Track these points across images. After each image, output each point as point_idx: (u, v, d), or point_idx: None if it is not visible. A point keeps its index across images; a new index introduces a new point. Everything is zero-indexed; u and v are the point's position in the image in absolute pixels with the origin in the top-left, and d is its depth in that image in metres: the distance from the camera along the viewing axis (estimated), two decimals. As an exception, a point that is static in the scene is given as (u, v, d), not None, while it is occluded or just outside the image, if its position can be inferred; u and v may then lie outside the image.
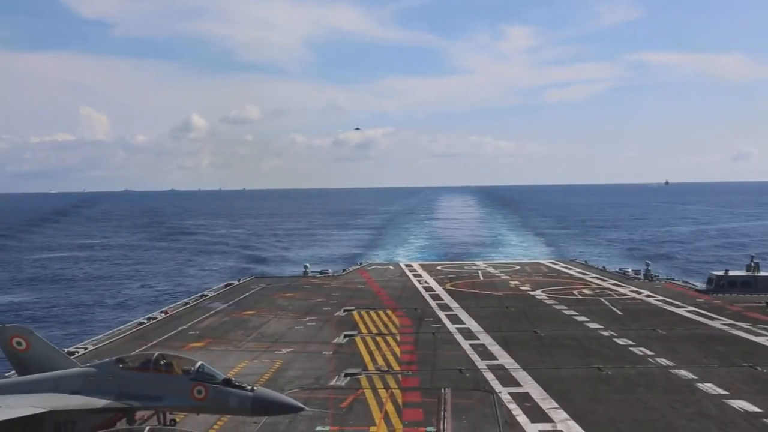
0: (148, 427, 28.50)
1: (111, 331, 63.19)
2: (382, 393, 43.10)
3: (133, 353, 42.50)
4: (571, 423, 37.39)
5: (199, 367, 32.21)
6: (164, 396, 32.80)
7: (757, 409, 39.45)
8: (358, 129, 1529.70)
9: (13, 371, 38.29)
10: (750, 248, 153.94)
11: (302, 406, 32.45)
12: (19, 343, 34.58)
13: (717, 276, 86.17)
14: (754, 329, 61.00)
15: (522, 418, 38.30)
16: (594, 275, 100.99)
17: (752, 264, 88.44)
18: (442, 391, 43.14)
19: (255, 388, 31.90)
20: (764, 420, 37.95)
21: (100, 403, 34.62)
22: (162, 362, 36.88)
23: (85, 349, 53.66)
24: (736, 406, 40.17)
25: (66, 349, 47.23)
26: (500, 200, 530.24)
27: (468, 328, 62.51)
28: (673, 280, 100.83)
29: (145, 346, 52.94)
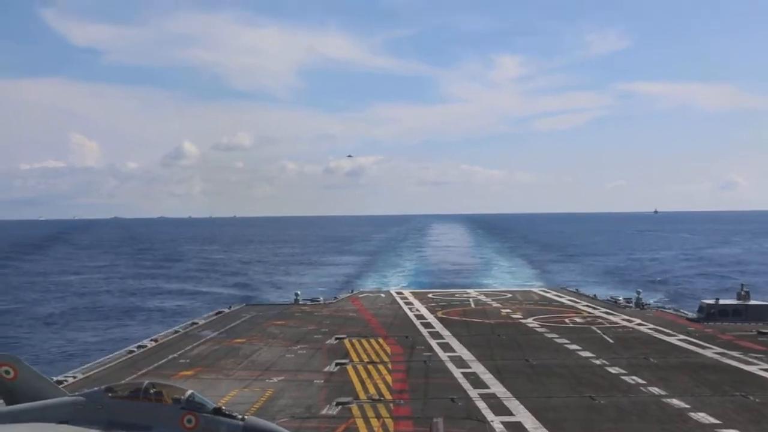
0: None
1: (100, 360, 62.87)
2: (374, 422, 43.09)
3: (123, 382, 42.13)
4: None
5: (190, 396, 31.84)
6: (154, 425, 32.41)
7: (748, 438, 39.73)
8: (350, 156, 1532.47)
9: (1, 400, 38.30)
10: (741, 275, 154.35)
11: None
12: (6, 372, 33.74)
13: (708, 304, 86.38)
14: (745, 358, 61.11)
15: (514, 447, 38.47)
16: (585, 303, 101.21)
17: (743, 292, 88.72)
18: (434, 420, 43.11)
19: (246, 417, 31.66)
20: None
21: None
22: (152, 391, 36.77)
23: (74, 377, 53.23)
24: (728, 436, 40.45)
25: (54, 378, 46.43)
26: (490, 228, 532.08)
27: (460, 357, 62.48)
28: (664, 308, 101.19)
29: (134, 375, 52.78)
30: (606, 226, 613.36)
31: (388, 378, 54.80)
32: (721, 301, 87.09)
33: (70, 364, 65.59)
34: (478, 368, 57.98)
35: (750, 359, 60.56)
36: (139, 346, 68.94)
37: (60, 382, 45.81)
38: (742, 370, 57.28)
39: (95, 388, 34.45)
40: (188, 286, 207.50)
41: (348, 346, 68.09)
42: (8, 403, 33.97)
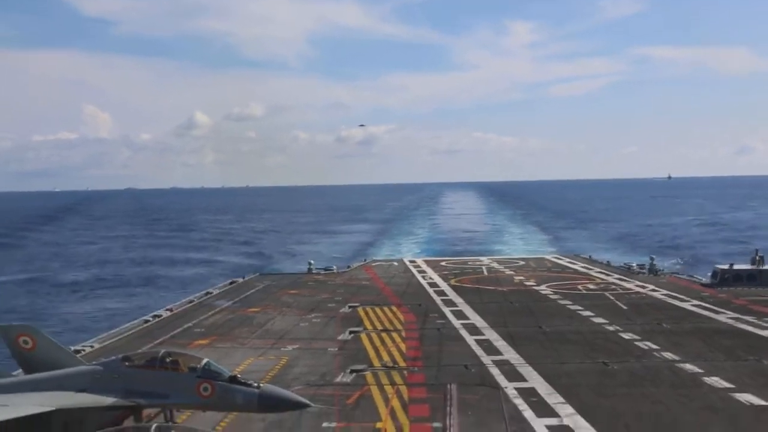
0: (155, 425, 27.49)
1: (117, 329, 63.26)
2: (388, 389, 43.27)
3: (139, 351, 41.96)
4: (578, 418, 37.53)
5: (205, 364, 31.69)
6: (171, 393, 32.16)
7: (763, 403, 39.60)
8: (362, 125, 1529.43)
9: (20, 370, 38.50)
10: (756, 241, 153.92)
11: (309, 402, 32.02)
12: (25, 342, 34.33)
13: (722, 270, 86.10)
14: (759, 323, 61.12)
15: (528, 413, 38.45)
16: (598, 270, 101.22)
17: (757, 257, 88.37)
18: (448, 386, 43.33)
19: (261, 384, 31.43)
20: (769, 411, 38.28)
21: (107, 401, 34.60)
22: (168, 360, 36.76)
23: (91, 347, 53.62)
24: (742, 400, 40.36)
25: (72, 348, 46.55)
26: (501, 195, 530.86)
27: (473, 324, 62.64)
28: (678, 274, 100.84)
29: (150, 344, 52.97)
30: (619, 192, 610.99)
31: (402, 345, 55.04)
32: (735, 267, 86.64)
33: (87, 334, 65.98)
34: (491, 335, 58.16)
35: (764, 324, 60.52)
36: (155, 316, 69.52)
37: (78, 352, 46.67)
38: (756, 334, 57.36)
39: (112, 358, 34.82)
40: (202, 255, 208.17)
41: (362, 314, 68.25)
42: (27, 372, 34.24)
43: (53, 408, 33.69)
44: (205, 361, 32.15)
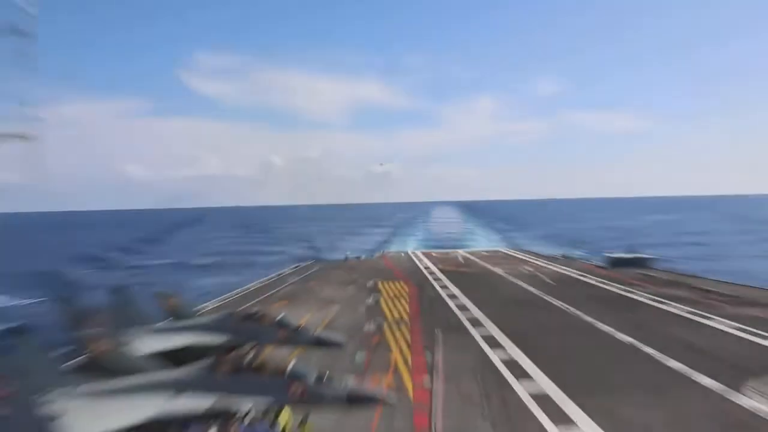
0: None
1: (227, 294, 64.24)
2: (398, 334, 43.93)
3: (240, 309, 41.62)
4: (519, 352, 38.26)
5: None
6: (260, 337, 30.33)
7: (633, 340, 40.58)
8: (381, 164, 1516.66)
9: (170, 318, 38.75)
10: (633, 239, 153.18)
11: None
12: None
13: (611, 257, 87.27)
14: (633, 291, 61.69)
15: (487, 349, 39.21)
16: (533, 258, 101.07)
17: (633, 248, 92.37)
18: (435, 330, 44.12)
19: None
20: (636, 345, 38.84)
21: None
22: (257, 313, 36.86)
23: (210, 307, 54.06)
24: (620, 338, 41.16)
25: (198, 307, 46.69)
26: (472, 209, 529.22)
27: (452, 293, 62.89)
28: (584, 260, 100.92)
29: (248, 304, 53.87)
30: (547, 207, 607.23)
31: (406, 306, 55.47)
32: (619, 255, 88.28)
33: (210, 296, 66.55)
34: (464, 300, 58.49)
35: (635, 291, 61.32)
36: (248, 287, 70.26)
37: (201, 309, 46.24)
38: (630, 298, 57.91)
39: (223, 312, 30.84)
40: (278, 248, 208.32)
41: (380, 286, 68.52)
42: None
43: (186, 344, 33.96)
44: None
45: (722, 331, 42.90)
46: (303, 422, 22.72)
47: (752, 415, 26.63)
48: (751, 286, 66.17)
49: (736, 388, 30.10)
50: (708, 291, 60.25)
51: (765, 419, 26.12)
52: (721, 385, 30.70)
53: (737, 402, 28.30)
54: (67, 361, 27.60)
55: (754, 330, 42.50)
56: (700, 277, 73.76)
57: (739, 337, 40.95)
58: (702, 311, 49.81)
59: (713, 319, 46.77)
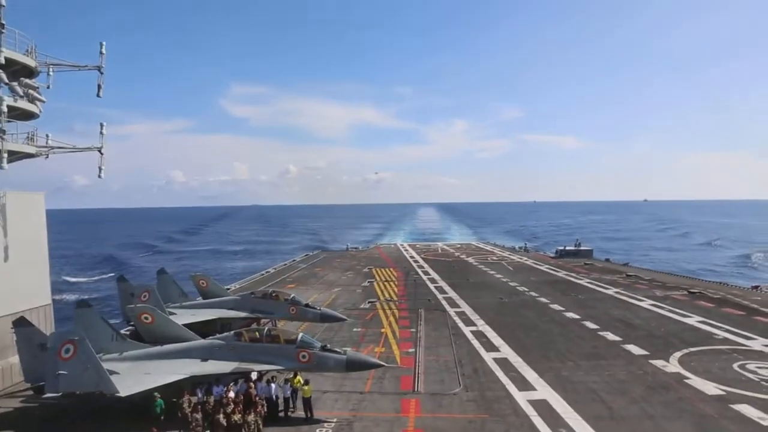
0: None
1: (247, 278, 63.77)
2: (388, 312, 43.65)
3: (260, 289, 40.67)
4: (487, 327, 37.98)
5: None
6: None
7: (578, 317, 40.28)
8: (377, 173, 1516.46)
9: (199, 297, 38.47)
10: (577, 233, 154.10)
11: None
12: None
13: (560, 249, 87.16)
14: (577, 277, 61.47)
15: (461, 324, 38.88)
16: (498, 249, 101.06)
17: (578, 242, 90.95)
18: (419, 310, 43.71)
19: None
20: (582, 322, 38.59)
21: (242, 314, 34.59)
22: (272, 293, 36.60)
23: (234, 287, 53.33)
24: (568, 316, 40.83)
25: (226, 287, 46.42)
26: (450, 210, 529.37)
27: (433, 278, 62.71)
28: (538, 251, 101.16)
29: (266, 285, 53.35)
30: (510, 209, 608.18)
31: (395, 289, 55.27)
32: (567, 247, 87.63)
33: (235, 278, 66.25)
34: (442, 283, 58.37)
35: (580, 277, 60.96)
36: (266, 271, 69.85)
37: (228, 289, 45.75)
38: (575, 282, 57.68)
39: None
40: (290, 239, 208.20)
41: (374, 272, 68.13)
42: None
43: (215, 317, 33.70)
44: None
45: (649, 309, 42.77)
46: (306, 383, 22.42)
47: (672, 378, 26.42)
48: (672, 274, 66.38)
49: (661, 357, 29.90)
50: (638, 277, 60.20)
51: (681, 382, 25.90)
52: (648, 353, 30.52)
53: (661, 368, 28.07)
54: (119, 329, 27.50)
55: (675, 309, 42.41)
56: (631, 266, 73.94)
57: (663, 315, 40.82)
58: (633, 294, 49.70)
59: (642, 300, 46.63)
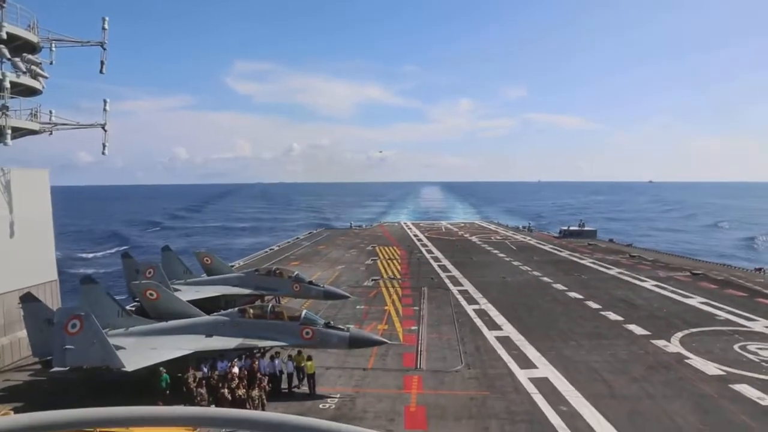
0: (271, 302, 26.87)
1: (252, 255, 63.96)
2: (391, 289, 43.84)
3: (263, 266, 41.79)
4: (489, 305, 38.11)
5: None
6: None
7: (580, 297, 40.33)
8: (380, 151, 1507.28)
9: (204, 274, 38.75)
10: (581, 213, 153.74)
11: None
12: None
13: (564, 229, 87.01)
14: (581, 257, 61.40)
15: (463, 302, 39.05)
16: (502, 228, 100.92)
17: (581, 222, 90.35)
18: (422, 288, 43.88)
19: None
20: (585, 302, 38.70)
21: (246, 291, 34.87)
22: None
23: (238, 264, 53.37)
24: (570, 296, 40.93)
25: (230, 264, 46.79)
26: (453, 189, 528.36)
27: (436, 256, 62.80)
28: (542, 231, 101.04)
29: (270, 263, 53.61)
30: (513, 188, 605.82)
31: (399, 267, 55.39)
32: (571, 227, 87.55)
33: (242, 255, 66.47)
34: (446, 261, 58.47)
35: (583, 257, 60.88)
36: (270, 248, 69.98)
37: (232, 266, 45.52)
38: (579, 263, 57.59)
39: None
40: (295, 216, 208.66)
41: (378, 250, 68.22)
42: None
43: (219, 293, 33.92)
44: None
45: (651, 290, 42.84)
46: (308, 359, 22.65)
47: (673, 358, 26.56)
48: (675, 255, 66.30)
49: (662, 337, 30.03)
50: (641, 258, 60.19)
51: (682, 362, 26.05)
52: (650, 334, 30.66)
53: (662, 348, 28.21)
54: (125, 305, 27.68)
55: (678, 290, 42.46)
56: (635, 246, 73.84)
57: (665, 295, 40.89)
58: (636, 274, 49.74)
59: (645, 281, 46.68)
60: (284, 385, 22.87)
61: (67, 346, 20.42)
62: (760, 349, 27.69)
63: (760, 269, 53.46)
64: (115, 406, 2.76)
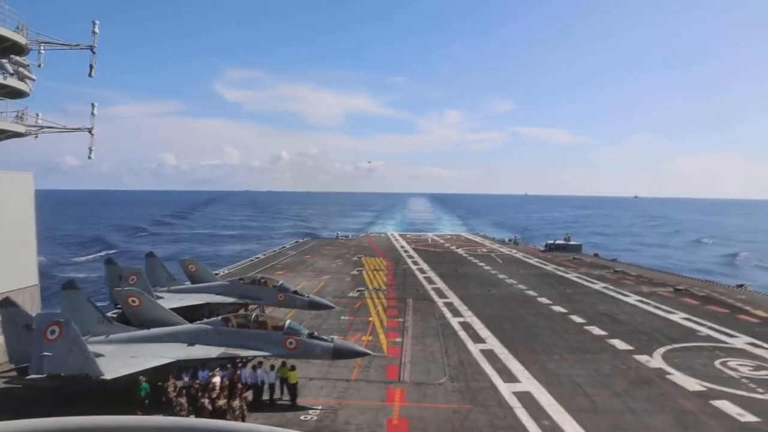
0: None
1: (237, 263, 63.49)
2: (376, 300, 43.70)
3: (248, 275, 41.69)
4: (474, 318, 38.13)
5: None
6: (263, 298, 31.19)
7: (564, 311, 40.47)
8: (369, 162, 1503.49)
9: (188, 282, 38.34)
10: (568, 228, 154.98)
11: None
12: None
13: (549, 243, 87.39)
14: (566, 271, 61.62)
15: (448, 314, 39.01)
16: (488, 241, 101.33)
17: (567, 236, 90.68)
18: (407, 300, 43.81)
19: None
20: (569, 316, 38.81)
21: (229, 300, 34.51)
22: (261, 279, 36.66)
23: (223, 272, 52.92)
24: (555, 310, 41.05)
25: (214, 272, 45.89)
26: (441, 200, 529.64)
27: (421, 268, 62.77)
28: (528, 244, 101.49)
29: (255, 271, 53.21)
30: (499, 201, 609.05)
31: (384, 278, 55.25)
32: (557, 241, 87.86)
33: (227, 263, 66.07)
34: (431, 273, 58.40)
35: (568, 272, 61.12)
36: (256, 257, 69.62)
37: (216, 274, 45.18)
38: (563, 276, 57.82)
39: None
40: (282, 224, 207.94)
41: (363, 261, 68.05)
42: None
43: (203, 302, 33.60)
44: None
45: (635, 305, 43.18)
46: (292, 369, 22.47)
47: (655, 373, 26.76)
48: (659, 270, 66.93)
49: (645, 352, 30.26)
50: (625, 273, 60.67)
51: (663, 377, 26.25)
52: (633, 349, 30.87)
53: (644, 363, 28.42)
54: (106, 312, 27.30)
55: (661, 306, 42.84)
56: (619, 261, 74.42)
57: (649, 311, 41.24)
58: (620, 289, 50.09)
59: (629, 296, 47.04)
60: (266, 396, 22.64)
61: (44, 353, 20.02)
62: (740, 365, 27.99)
63: (741, 285, 54.19)
64: (91, 415, 2.75)
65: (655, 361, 28.68)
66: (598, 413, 21.84)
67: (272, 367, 23.03)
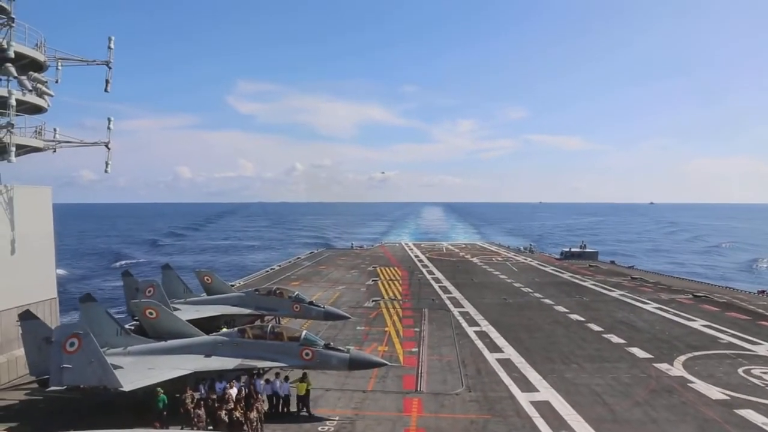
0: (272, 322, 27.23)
1: (252, 274, 63.79)
2: (392, 310, 43.63)
3: (263, 286, 41.56)
4: (490, 327, 37.86)
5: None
6: (279, 309, 31.31)
7: (582, 319, 40.08)
8: (383, 172, 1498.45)
9: (204, 293, 38.44)
10: (583, 236, 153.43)
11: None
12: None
13: (565, 250, 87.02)
14: (582, 279, 61.19)
15: (464, 324, 38.79)
16: (503, 250, 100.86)
17: (582, 244, 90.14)
18: (423, 309, 43.63)
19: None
20: (586, 324, 38.43)
21: (246, 311, 34.57)
22: (276, 290, 36.62)
23: (239, 283, 53.20)
24: (572, 318, 40.66)
25: (230, 283, 46.47)
26: (454, 209, 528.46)
27: (437, 277, 62.68)
28: (543, 252, 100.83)
29: (270, 282, 53.43)
30: (514, 209, 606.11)
31: (399, 288, 55.24)
32: (572, 249, 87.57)
33: (241, 274, 66.41)
34: (446, 283, 58.28)
35: (585, 279, 60.69)
36: (271, 268, 69.84)
37: (232, 285, 45.20)
38: (580, 284, 57.49)
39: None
40: (297, 234, 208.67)
41: (378, 271, 68.10)
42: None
43: (219, 313, 33.71)
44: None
45: (653, 312, 42.56)
46: (303, 379, 22.44)
47: (676, 382, 26.27)
48: (677, 277, 66.06)
49: (665, 360, 29.75)
50: (643, 280, 59.94)
51: (685, 386, 25.76)
52: (652, 357, 30.37)
53: (665, 371, 27.93)
54: (124, 324, 27.43)
55: (680, 313, 42.19)
56: (636, 268, 73.61)
57: (668, 318, 40.61)
58: (638, 296, 49.47)
59: (647, 303, 46.41)
60: (281, 406, 22.50)
61: (64, 365, 20.12)
62: (765, 373, 27.39)
63: (762, 292, 53.19)
64: (111, 429, 2.75)
65: (676, 369, 28.16)
66: (619, 423, 21.46)
67: (286, 379, 22.94)
